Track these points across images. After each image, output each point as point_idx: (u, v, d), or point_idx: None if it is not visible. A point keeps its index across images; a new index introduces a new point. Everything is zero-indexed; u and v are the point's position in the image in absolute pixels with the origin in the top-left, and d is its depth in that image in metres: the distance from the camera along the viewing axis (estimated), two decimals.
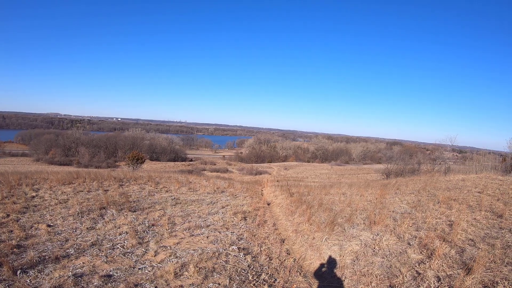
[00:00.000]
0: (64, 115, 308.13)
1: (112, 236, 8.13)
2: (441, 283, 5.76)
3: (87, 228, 8.60)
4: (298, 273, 7.02)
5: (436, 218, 9.41)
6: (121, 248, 7.27)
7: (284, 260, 7.68)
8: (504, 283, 5.41)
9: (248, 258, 7.34)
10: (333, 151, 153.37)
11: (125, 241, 7.73)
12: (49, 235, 7.89)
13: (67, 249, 7.04)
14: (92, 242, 7.53)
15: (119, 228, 8.79)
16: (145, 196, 13.42)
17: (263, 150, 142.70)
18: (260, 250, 8.02)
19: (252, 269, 6.82)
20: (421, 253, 7.11)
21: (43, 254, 6.71)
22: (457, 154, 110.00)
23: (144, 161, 53.48)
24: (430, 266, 6.33)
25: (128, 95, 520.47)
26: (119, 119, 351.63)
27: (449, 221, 9.07)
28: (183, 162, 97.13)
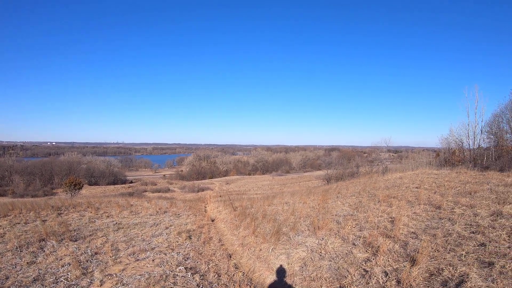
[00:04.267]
0: None
1: (54, 269, 7.77)
2: (389, 277, 5.89)
3: (27, 262, 8.19)
4: (248, 287, 7.01)
5: (377, 217, 9.65)
6: (65, 281, 6.97)
7: (233, 275, 7.64)
8: (449, 268, 5.62)
9: (197, 277, 7.25)
10: (273, 162, 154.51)
11: (69, 273, 7.41)
12: None
13: (8, 287, 6.71)
14: (34, 278, 7.17)
15: (61, 259, 8.43)
16: (86, 223, 12.98)
17: (204, 166, 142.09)
18: (208, 268, 7.94)
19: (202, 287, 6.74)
20: (366, 251, 7.26)
21: None
22: (393, 154, 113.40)
23: (82, 186, 52.00)
24: (377, 263, 6.47)
25: (62, 118, 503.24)
26: (53, 143, 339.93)
27: (391, 217, 9.32)
28: (123, 185, 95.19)
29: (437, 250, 6.43)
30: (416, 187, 13.22)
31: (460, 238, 6.95)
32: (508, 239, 6.55)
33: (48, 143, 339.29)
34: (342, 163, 53.02)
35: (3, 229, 11.72)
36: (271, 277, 7.47)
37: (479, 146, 23.60)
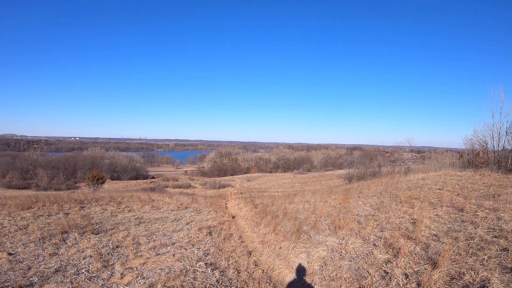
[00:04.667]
0: (20, 136, 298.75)
1: (76, 260, 7.87)
2: (409, 279, 5.84)
3: (49, 254, 8.32)
4: (268, 284, 7.00)
5: (399, 218, 9.55)
6: (86, 273, 7.06)
7: (253, 272, 7.65)
8: (470, 273, 5.54)
9: (216, 273, 7.28)
10: (295, 160, 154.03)
11: (90, 265, 7.51)
12: (11, 264, 7.61)
13: (31, 277, 6.80)
14: (56, 269, 7.29)
15: (82, 252, 8.54)
16: (108, 217, 13.12)
17: (225, 163, 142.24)
18: (228, 264, 7.96)
19: (221, 283, 6.76)
20: (387, 252, 7.21)
21: (6, 284, 6.45)
22: (416, 154, 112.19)
23: (105, 181, 52.59)
24: (397, 265, 6.42)
25: (86, 114, 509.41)
26: (77, 138, 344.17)
27: (412, 219, 9.22)
28: (145, 180, 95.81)
29: (459, 254, 6.35)
30: (439, 189, 13.06)
31: (483, 242, 6.84)
32: None
33: (72, 138, 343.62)
34: (364, 163, 52.76)
35: (26, 220, 11.91)
36: (291, 275, 7.46)
37: (503, 147, 23.15)
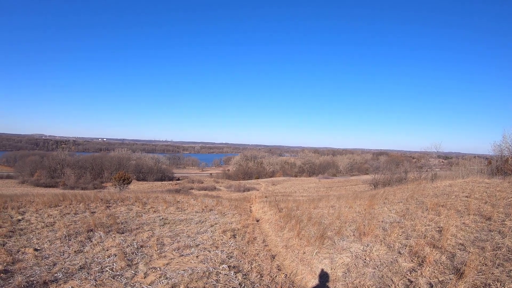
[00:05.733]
0: (48, 136, 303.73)
1: (100, 258, 7.98)
2: None
3: (75, 251, 8.44)
4: None
5: (425, 225, 9.44)
6: (110, 271, 7.15)
7: (276, 276, 7.63)
8: (496, 284, 5.43)
9: (239, 276, 7.27)
10: (320, 165, 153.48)
11: (114, 264, 7.59)
12: (37, 259, 7.74)
13: (55, 273, 6.91)
14: (80, 266, 7.39)
15: (107, 250, 8.64)
16: (133, 217, 13.25)
17: (250, 166, 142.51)
18: (251, 267, 7.95)
19: (243, 287, 6.76)
20: (412, 261, 7.12)
21: (31, 279, 6.57)
22: (443, 160, 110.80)
23: (131, 181, 53.18)
24: (422, 274, 6.33)
25: (113, 115, 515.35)
26: (104, 139, 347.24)
27: (438, 227, 9.10)
28: (170, 182, 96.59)
29: (485, 264, 6.23)
30: (466, 196, 12.86)
31: (510, 253, 6.70)
32: None
33: (99, 139, 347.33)
34: (390, 168, 52.23)
35: (53, 218, 12.11)
36: (313, 281, 7.42)
37: None
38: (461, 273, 5.90)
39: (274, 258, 9.11)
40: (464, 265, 6.20)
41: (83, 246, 8.94)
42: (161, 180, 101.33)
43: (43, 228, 10.70)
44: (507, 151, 24.48)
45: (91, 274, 6.91)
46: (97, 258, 7.99)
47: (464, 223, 9.21)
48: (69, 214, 13.04)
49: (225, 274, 7.33)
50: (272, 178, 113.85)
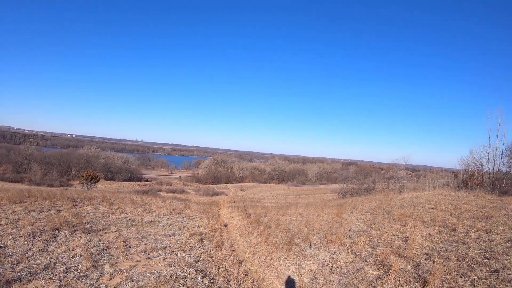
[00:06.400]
0: (16, 129, 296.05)
1: (65, 258, 7.83)
2: None
3: (39, 250, 8.26)
4: None
5: (391, 235, 9.59)
6: (75, 272, 7.02)
7: (242, 281, 7.63)
8: None
9: (206, 280, 7.26)
10: (290, 172, 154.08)
11: (79, 264, 7.46)
12: None
13: (19, 272, 6.76)
14: (44, 265, 7.24)
15: (72, 250, 8.49)
16: (100, 217, 13.04)
17: (220, 171, 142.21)
18: (218, 272, 7.94)
19: None
20: (378, 269, 7.22)
21: None
22: (411, 172, 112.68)
23: (99, 180, 52.37)
24: (387, 281, 6.43)
25: (84, 111, 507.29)
26: (73, 135, 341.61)
27: (404, 237, 9.26)
28: (139, 182, 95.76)
29: (450, 273, 6.37)
30: (432, 208, 13.12)
31: (473, 263, 6.89)
32: None
33: (69, 135, 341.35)
34: (359, 178, 52.82)
35: (17, 215, 11.83)
36: (280, 287, 7.46)
37: (498, 170, 23.37)
38: (426, 282, 6.02)
39: (241, 263, 9.11)
40: (429, 274, 6.33)
41: (47, 245, 8.76)
42: (130, 180, 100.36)
43: (7, 224, 10.44)
44: (473, 166, 25.12)
45: (55, 274, 6.78)
46: (62, 258, 7.84)
47: (429, 233, 9.40)
48: (34, 211, 12.75)
49: (192, 278, 7.30)
50: (242, 184, 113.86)
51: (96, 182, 48.56)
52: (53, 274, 6.80)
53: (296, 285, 7.31)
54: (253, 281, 7.79)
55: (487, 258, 7.17)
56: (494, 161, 23.30)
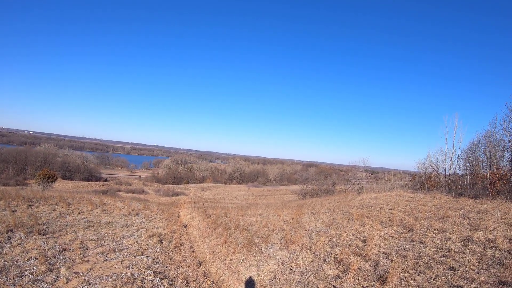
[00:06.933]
0: None
1: (20, 261, 7.62)
2: None
3: None
4: None
5: (350, 235, 9.69)
6: (30, 275, 6.84)
7: (202, 283, 7.60)
8: None
9: (165, 282, 7.19)
10: (250, 173, 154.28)
11: (35, 267, 7.27)
12: None
13: None
14: None
15: (27, 253, 8.27)
16: (56, 218, 12.76)
17: (180, 171, 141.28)
18: (177, 274, 7.88)
19: None
20: (337, 268, 7.28)
21: None
22: (370, 174, 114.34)
23: (56, 179, 51.25)
24: (347, 281, 6.49)
25: (41, 107, 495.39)
26: (30, 132, 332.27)
27: (363, 237, 9.38)
28: (98, 182, 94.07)
29: (407, 272, 6.49)
30: (390, 209, 13.35)
31: (431, 261, 7.04)
32: (478, 265, 6.66)
33: (26, 131, 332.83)
34: (319, 180, 53.25)
35: None
36: None
37: (455, 172, 24.10)
38: (384, 280, 6.11)
39: (201, 264, 9.06)
40: (387, 272, 6.43)
41: (1, 247, 8.50)
42: (88, 180, 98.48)
43: None
44: (430, 169, 25.87)
45: (9, 278, 6.58)
46: (17, 261, 7.62)
47: (387, 233, 9.54)
48: None
49: (151, 280, 7.22)
50: (202, 184, 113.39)
51: (53, 181, 47.50)
52: (7, 278, 6.60)
53: (256, 285, 7.30)
54: (212, 283, 7.76)
55: (443, 256, 7.33)
56: (451, 164, 24.03)
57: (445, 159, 24.13)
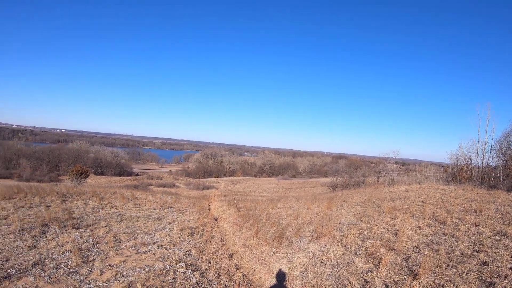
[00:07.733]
0: (5, 124, 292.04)
1: (55, 255, 7.76)
2: None
3: (28, 246, 8.19)
4: None
5: (381, 228, 9.60)
6: (65, 268, 6.97)
7: (233, 275, 7.63)
8: (449, 285, 5.57)
9: (197, 274, 7.24)
10: (280, 166, 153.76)
11: (69, 260, 7.40)
12: None
13: (8, 269, 6.69)
14: (34, 262, 7.16)
15: (62, 246, 8.42)
16: (89, 212, 12.98)
17: (210, 164, 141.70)
18: (209, 266, 7.93)
19: (201, 285, 6.73)
20: (368, 262, 7.23)
21: None
22: (401, 166, 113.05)
23: (89, 175, 51.95)
24: (378, 274, 6.44)
25: (73, 106, 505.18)
26: (63, 130, 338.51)
27: (394, 230, 9.27)
28: (129, 177, 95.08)
29: (439, 266, 6.40)
30: (422, 201, 13.16)
31: (463, 256, 6.91)
32: (511, 260, 6.51)
33: (58, 130, 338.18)
34: (349, 172, 52.85)
35: (7, 211, 11.74)
36: (271, 280, 7.45)
37: (487, 164, 23.52)
38: (416, 274, 6.04)
39: (232, 257, 9.11)
40: (419, 266, 6.35)
41: (37, 241, 8.68)
42: (120, 175, 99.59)
43: None
44: (462, 160, 25.29)
45: (45, 271, 6.72)
46: (52, 254, 7.77)
47: (419, 226, 9.42)
48: (23, 207, 12.67)
49: (183, 272, 7.28)
50: (232, 177, 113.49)
51: (86, 177, 48.18)
52: (43, 270, 6.74)
53: (287, 278, 7.31)
54: (243, 275, 7.80)
55: (476, 251, 7.19)
56: (483, 155, 23.45)
57: (477, 150, 23.60)
